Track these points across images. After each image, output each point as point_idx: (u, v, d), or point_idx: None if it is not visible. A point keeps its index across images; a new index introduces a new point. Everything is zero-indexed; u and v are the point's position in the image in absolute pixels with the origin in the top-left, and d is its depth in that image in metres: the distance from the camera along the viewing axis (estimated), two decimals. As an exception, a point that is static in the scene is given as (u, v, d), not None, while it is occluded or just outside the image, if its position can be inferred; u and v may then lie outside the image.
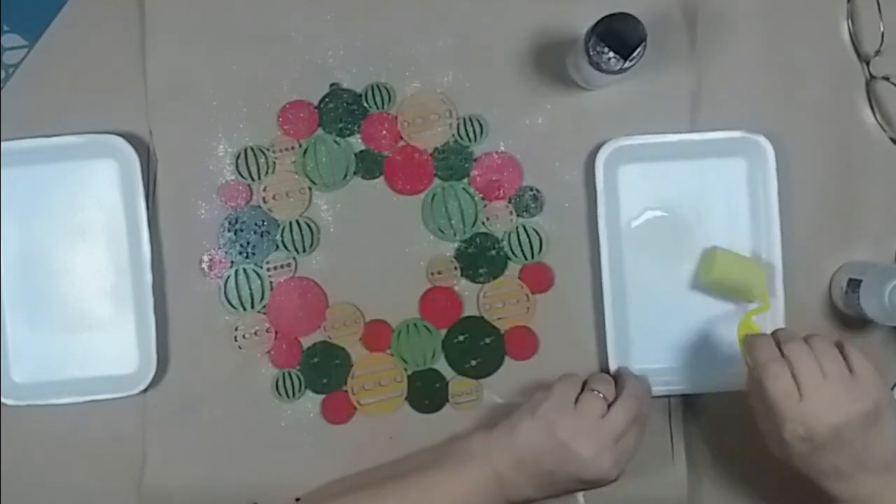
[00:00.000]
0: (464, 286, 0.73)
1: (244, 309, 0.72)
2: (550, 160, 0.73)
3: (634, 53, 0.63)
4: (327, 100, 0.73)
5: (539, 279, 0.73)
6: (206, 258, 0.73)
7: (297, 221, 0.72)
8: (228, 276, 0.72)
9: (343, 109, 0.73)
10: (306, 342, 0.73)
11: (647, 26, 0.63)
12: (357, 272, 0.72)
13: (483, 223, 0.73)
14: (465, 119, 0.73)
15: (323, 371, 0.72)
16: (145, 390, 0.71)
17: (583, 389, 0.65)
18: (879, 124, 0.73)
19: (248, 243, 0.72)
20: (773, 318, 0.70)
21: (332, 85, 0.73)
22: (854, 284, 0.69)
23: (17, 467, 0.72)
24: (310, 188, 0.73)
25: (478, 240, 0.73)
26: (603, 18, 0.63)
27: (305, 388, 0.72)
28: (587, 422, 0.62)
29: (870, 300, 0.67)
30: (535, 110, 0.73)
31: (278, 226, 0.73)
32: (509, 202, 0.73)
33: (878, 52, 0.72)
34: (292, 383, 0.72)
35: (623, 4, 0.64)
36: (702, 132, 0.71)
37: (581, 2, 0.71)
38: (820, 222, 0.73)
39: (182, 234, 0.72)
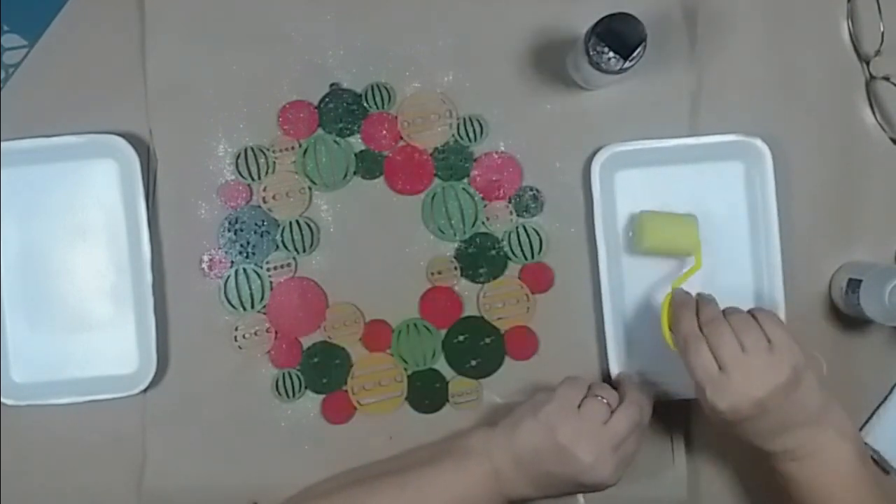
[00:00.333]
0: (464, 286, 0.73)
1: (244, 309, 0.72)
2: (550, 160, 0.73)
3: (634, 53, 0.63)
4: (327, 100, 0.73)
5: (539, 279, 0.73)
6: (206, 258, 0.73)
7: (297, 221, 0.73)
8: (228, 276, 0.72)
9: (343, 109, 0.73)
10: (306, 342, 0.73)
11: (647, 26, 0.63)
12: (357, 272, 0.73)
13: (483, 223, 0.73)
14: (465, 119, 0.73)
15: (323, 371, 0.72)
16: (145, 390, 0.71)
17: (586, 394, 0.65)
18: (879, 124, 0.73)
19: (248, 243, 0.72)
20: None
21: (332, 85, 0.73)
22: (854, 284, 0.69)
23: (17, 467, 0.72)
24: (310, 188, 0.73)
25: (478, 240, 0.73)
26: (603, 18, 0.63)
27: (305, 388, 0.72)
28: (589, 427, 0.62)
29: (870, 300, 0.67)
30: (535, 110, 0.73)
31: (278, 226, 0.73)
32: (509, 202, 0.73)
33: (878, 52, 0.72)
34: (292, 383, 0.72)
35: (623, 4, 0.64)
36: (699, 136, 0.71)
37: (581, 2, 0.71)
38: (820, 222, 0.73)
39: (182, 234, 0.72)
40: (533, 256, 0.73)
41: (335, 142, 0.73)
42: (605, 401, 0.64)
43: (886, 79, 0.72)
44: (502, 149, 0.73)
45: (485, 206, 0.73)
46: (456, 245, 0.73)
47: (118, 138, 0.71)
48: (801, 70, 0.73)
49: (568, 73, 0.72)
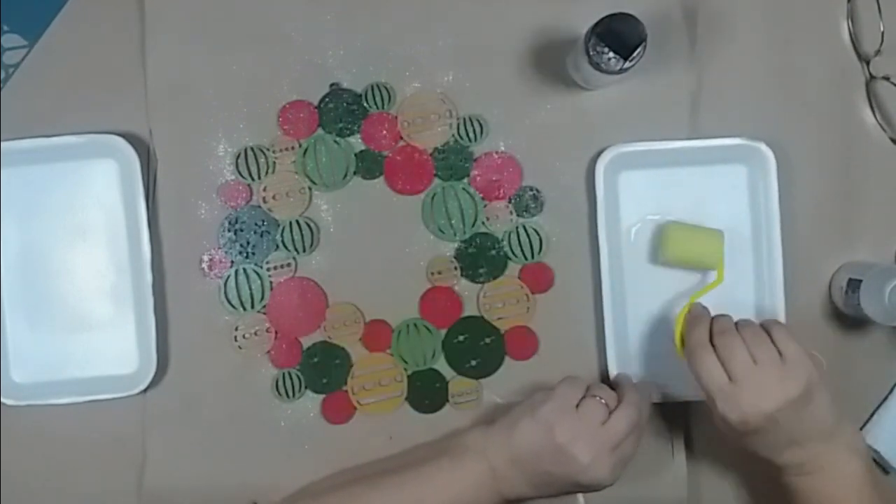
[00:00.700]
0: (464, 286, 0.73)
1: (244, 309, 0.72)
2: (550, 160, 0.73)
3: (634, 53, 0.63)
4: (327, 100, 0.73)
5: (539, 279, 0.73)
6: (206, 258, 0.73)
7: (297, 221, 0.73)
8: (228, 276, 0.72)
9: (343, 109, 0.73)
10: (306, 342, 0.73)
11: (647, 26, 0.63)
12: (357, 272, 0.72)
13: (483, 223, 0.73)
14: (465, 119, 0.73)
15: (323, 371, 0.72)
16: (145, 390, 0.71)
17: (585, 394, 0.65)
18: (879, 124, 0.73)
19: (248, 243, 0.72)
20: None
21: (332, 85, 0.73)
22: (854, 284, 0.69)
23: (17, 467, 0.72)
24: (310, 188, 0.73)
25: (478, 240, 0.73)
26: (603, 18, 0.63)
27: (305, 388, 0.72)
28: (587, 427, 0.62)
29: (870, 300, 0.67)
30: (535, 110, 0.73)
31: (278, 226, 0.73)
32: (509, 202, 0.73)
33: (878, 52, 0.72)
34: (292, 383, 0.72)
35: (623, 4, 0.64)
36: (702, 138, 0.71)
37: (581, 2, 0.71)
38: (820, 222, 0.73)
39: (182, 234, 0.72)
40: (533, 256, 0.73)
41: (335, 142, 0.73)
42: (603, 401, 0.64)
43: (886, 79, 0.72)
44: (502, 149, 0.73)
45: (485, 206, 0.73)
46: (456, 245, 0.73)
47: (118, 138, 0.71)
48: (801, 70, 0.73)
49: (568, 73, 0.72)
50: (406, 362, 0.73)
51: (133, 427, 0.72)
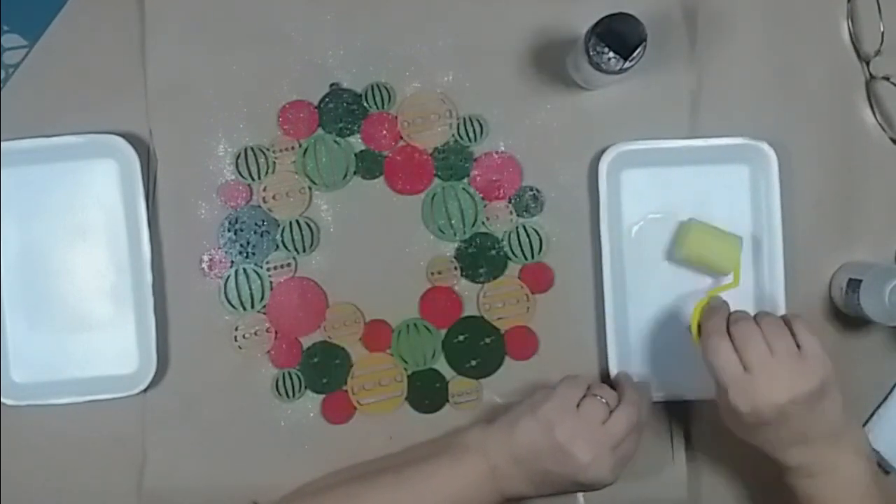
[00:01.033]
0: (464, 286, 0.73)
1: (244, 309, 0.72)
2: (550, 160, 0.73)
3: (634, 53, 0.63)
4: (327, 100, 0.73)
5: (539, 279, 0.73)
6: (206, 258, 0.73)
7: (297, 221, 0.73)
8: (228, 276, 0.72)
9: (343, 109, 0.73)
10: (306, 342, 0.73)
11: (647, 26, 0.63)
12: (357, 272, 0.72)
13: (483, 223, 0.73)
14: (465, 119, 0.73)
15: (323, 371, 0.72)
16: (145, 390, 0.71)
17: (586, 393, 0.65)
18: (879, 124, 0.73)
19: (248, 243, 0.72)
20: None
21: (332, 85, 0.73)
22: (854, 284, 0.69)
23: (17, 467, 0.72)
24: (310, 188, 0.73)
25: (478, 240, 0.73)
26: (603, 18, 0.63)
27: (305, 388, 0.72)
28: (587, 426, 0.62)
29: (870, 300, 0.67)
30: (535, 110, 0.73)
31: (278, 226, 0.73)
32: (509, 202, 0.73)
33: (878, 52, 0.72)
34: (292, 383, 0.72)
35: (623, 4, 0.64)
36: (704, 137, 0.71)
37: (581, 2, 0.71)
38: (820, 222, 0.73)
39: (182, 234, 0.72)
40: (533, 256, 0.73)
41: (335, 142, 0.73)
42: (604, 400, 0.63)
43: (886, 79, 0.72)
44: (502, 149, 0.73)
45: (485, 206, 0.73)
46: (456, 245, 0.73)
47: (118, 138, 0.71)
48: (801, 70, 0.73)
49: (568, 73, 0.72)
50: (406, 362, 0.73)
51: (133, 427, 0.72)
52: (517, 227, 0.73)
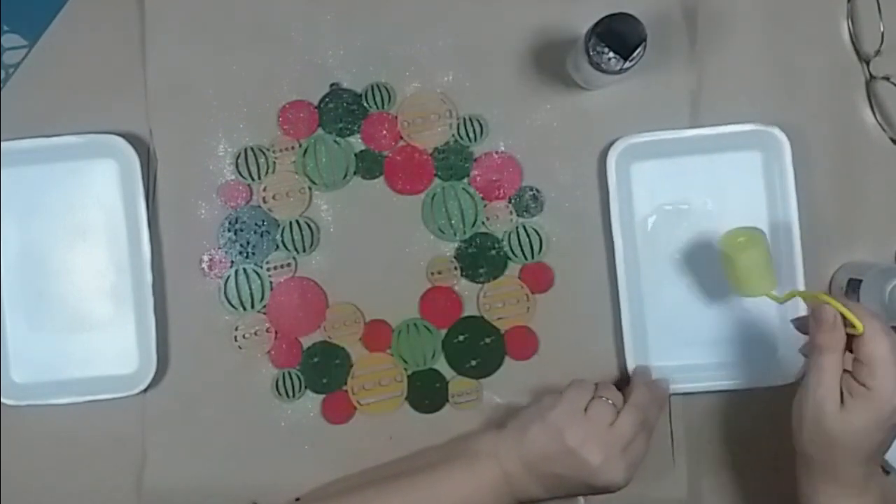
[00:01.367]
0: (464, 286, 0.73)
1: (244, 309, 0.72)
2: (550, 160, 0.73)
3: (634, 53, 0.63)
4: (327, 100, 0.73)
5: (539, 279, 0.73)
6: (206, 258, 0.73)
7: (297, 221, 0.73)
8: (228, 276, 0.72)
9: (343, 109, 0.73)
10: (306, 342, 0.73)
11: (647, 26, 0.63)
12: (357, 272, 0.72)
13: (483, 223, 0.73)
14: (465, 119, 0.73)
15: (323, 371, 0.72)
16: (145, 390, 0.71)
17: (592, 396, 0.65)
18: (879, 124, 0.73)
19: (248, 243, 0.72)
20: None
21: (332, 85, 0.73)
22: (854, 284, 0.69)
23: (17, 467, 0.72)
24: (310, 188, 0.73)
25: (478, 240, 0.73)
26: (603, 18, 0.63)
27: (305, 388, 0.72)
28: (596, 429, 0.62)
29: (870, 300, 0.67)
30: (535, 110, 0.73)
31: (278, 226, 0.73)
32: (509, 202, 0.73)
33: (878, 52, 0.72)
34: (292, 383, 0.72)
35: (623, 4, 0.64)
36: (711, 127, 0.71)
37: (581, 2, 0.71)
38: (820, 222, 0.73)
39: (182, 234, 0.72)
40: (533, 256, 0.73)
41: (335, 142, 0.73)
42: (610, 402, 0.64)
43: (886, 79, 0.72)
44: (502, 149, 0.73)
45: (485, 206, 0.73)
46: (456, 245, 0.73)
47: (118, 138, 0.71)
48: (801, 70, 0.73)
49: (568, 73, 0.72)
50: (406, 362, 0.73)
51: (133, 427, 0.72)
52: (517, 227, 0.73)
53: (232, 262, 0.72)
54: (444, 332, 0.73)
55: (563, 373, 0.70)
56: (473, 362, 0.72)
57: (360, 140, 0.73)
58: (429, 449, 0.71)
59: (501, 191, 0.73)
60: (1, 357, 0.71)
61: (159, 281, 0.72)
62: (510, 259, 0.73)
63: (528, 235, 0.73)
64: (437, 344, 0.72)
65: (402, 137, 0.73)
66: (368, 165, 0.73)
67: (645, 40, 0.63)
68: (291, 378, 0.72)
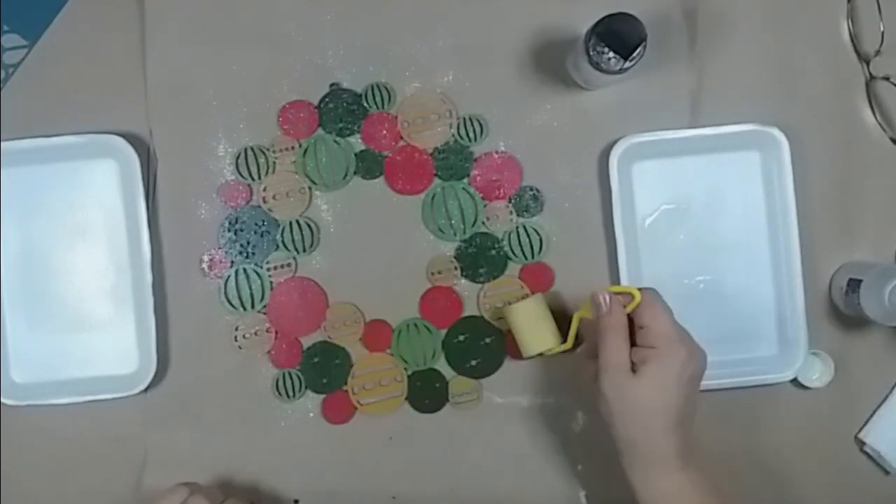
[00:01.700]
0: (464, 286, 0.73)
1: (244, 309, 0.72)
2: (550, 160, 0.73)
3: (634, 53, 0.63)
4: (327, 100, 0.73)
5: (539, 279, 0.73)
6: (206, 258, 0.73)
7: (297, 221, 0.73)
8: (228, 276, 0.72)
9: (343, 109, 0.73)
10: (306, 342, 0.73)
11: (647, 26, 0.63)
12: (357, 272, 0.73)
13: (483, 223, 0.73)
14: (465, 119, 0.73)
15: (323, 371, 0.72)
16: (145, 390, 0.71)
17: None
18: (879, 124, 0.73)
19: (248, 243, 0.72)
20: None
21: (332, 85, 0.73)
22: (854, 284, 0.69)
23: (17, 467, 0.72)
24: (310, 188, 0.73)
25: (478, 240, 0.73)
26: (603, 18, 0.63)
27: (305, 388, 0.72)
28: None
29: (870, 300, 0.67)
30: (535, 110, 0.73)
31: (278, 226, 0.73)
32: (509, 202, 0.73)
33: (878, 52, 0.72)
34: (292, 383, 0.72)
35: (623, 4, 0.64)
36: (711, 127, 0.71)
37: (581, 2, 0.71)
38: (820, 222, 0.73)
39: (182, 234, 0.72)
40: (533, 256, 0.73)
41: (335, 142, 0.73)
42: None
43: (886, 79, 0.72)
44: (502, 149, 0.73)
45: (485, 206, 0.73)
46: (456, 245, 0.73)
47: (118, 138, 0.71)
48: (801, 70, 0.73)
49: (568, 73, 0.72)
50: (406, 362, 0.73)
51: (133, 427, 0.72)
52: (517, 227, 0.73)
53: (232, 262, 0.72)
54: (444, 332, 0.73)
55: (562, 373, 0.70)
56: (473, 362, 0.72)
57: (360, 140, 0.73)
58: None
59: (501, 191, 0.73)
60: (1, 357, 0.71)
61: (159, 281, 0.72)
62: (510, 259, 0.73)
63: (528, 235, 0.73)
64: (437, 344, 0.72)
65: (402, 137, 0.73)
66: (368, 165, 0.73)
67: (645, 40, 0.63)
68: (291, 378, 0.72)
